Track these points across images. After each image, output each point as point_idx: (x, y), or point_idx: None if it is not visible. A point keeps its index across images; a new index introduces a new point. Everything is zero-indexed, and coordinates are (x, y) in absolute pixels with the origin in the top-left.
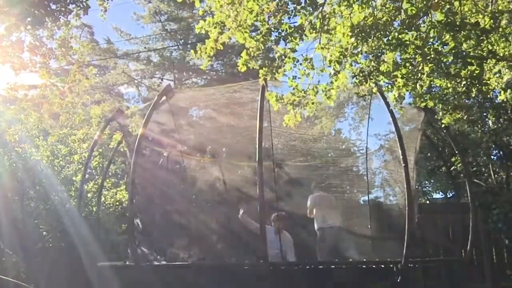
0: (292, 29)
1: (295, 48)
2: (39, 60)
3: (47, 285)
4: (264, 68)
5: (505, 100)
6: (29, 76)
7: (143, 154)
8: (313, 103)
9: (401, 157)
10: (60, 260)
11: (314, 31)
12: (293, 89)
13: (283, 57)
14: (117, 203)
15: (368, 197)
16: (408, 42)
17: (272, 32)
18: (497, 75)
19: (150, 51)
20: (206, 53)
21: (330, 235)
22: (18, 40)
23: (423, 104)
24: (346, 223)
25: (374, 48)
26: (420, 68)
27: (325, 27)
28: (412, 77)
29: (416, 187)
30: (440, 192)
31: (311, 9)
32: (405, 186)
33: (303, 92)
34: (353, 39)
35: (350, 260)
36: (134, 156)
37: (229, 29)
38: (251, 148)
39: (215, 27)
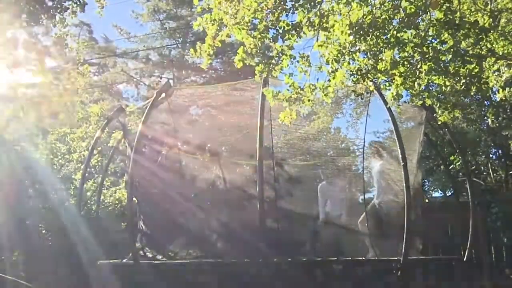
0: (290, 26)
1: (292, 45)
2: (34, 57)
3: (47, 284)
4: (260, 65)
5: (504, 98)
6: (28, 74)
7: (142, 152)
8: (309, 101)
9: (400, 155)
10: (60, 259)
11: (312, 29)
12: (290, 86)
13: (280, 54)
14: (117, 202)
15: (364, 196)
16: (406, 41)
17: (270, 29)
18: (496, 74)
19: (149, 49)
20: (205, 51)
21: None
22: (12, 37)
23: (420, 102)
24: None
25: (372, 46)
26: (418, 66)
27: (324, 25)
28: (411, 75)
29: (421, 184)
30: (439, 191)
31: (309, 7)
32: (404, 184)
33: (299, 89)
34: (351, 37)
35: (349, 258)
36: (133, 154)
37: (226, 26)
38: (251, 146)
39: (212, 24)
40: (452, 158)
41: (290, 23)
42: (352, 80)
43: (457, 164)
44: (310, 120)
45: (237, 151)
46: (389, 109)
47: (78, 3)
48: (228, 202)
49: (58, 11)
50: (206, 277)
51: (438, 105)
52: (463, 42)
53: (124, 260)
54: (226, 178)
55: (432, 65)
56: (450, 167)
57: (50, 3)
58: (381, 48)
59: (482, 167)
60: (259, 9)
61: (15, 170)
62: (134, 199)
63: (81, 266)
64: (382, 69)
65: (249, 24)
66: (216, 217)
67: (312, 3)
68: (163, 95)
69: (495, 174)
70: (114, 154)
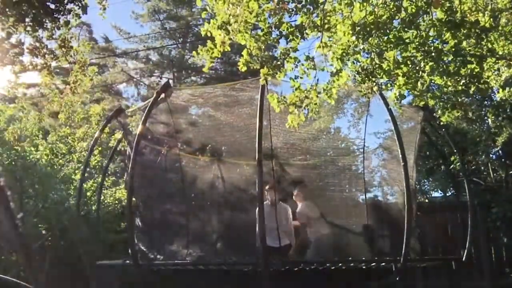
0: (293, 28)
1: (296, 47)
2: (40, 62)
3: (47, 284)
4: (265, 68)
5: (503, 98)
6: (29, 74)
7: (142, 153)
8: (315, 104)
9: (400, 155)
10: (60, 259)
11: (315, 29)
12: (295, 89)
13: (284, 56)
14: (117, 202)
15: (365, 196)
16: (408, 41)
17: (273, 32)
18: (496, 73)
19: (149, 49)
20: (210, 56)
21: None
22: (17, 41)
23: (423, 103)
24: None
25: (374, 46)
26: (422, 65)
27: (326, 26)
28: (413, 76)
29: (416, 186)
30: (439, 191)
31: (311, 8)
32: (404, 184)
33: (305, 92)
34: (354, 38)
35: (349, 259)
36: (133, 154)
37: (232, 30)
38: (250, 146)
39: (220, 29)
40: (452, 158)
41: (293, 25)
42: (357, 80)
43: (457, 164)
44: (310, 120)
45: (237, 151)
46: (389, 110)
47: (80, 5)
48: (227, 203)
49: (61, 14)
50: (206, 277)
51: (440, 106)
52: (464, 42)
53: (124, 261)
54: (225, 178)
55: (434, 65)
56: (450, 167)
57: (52, 6)
58: (384, 48)
59: (482, 167)
60: (261, 12)
61: (15, 170)
62: (133, 199)
63: (80, 266)
64: (385, 69)
65: (251, 26)
66: (216, 217)
67: (315, 4)
68: (162, 95)
69: (495, 174)
70: (114, 154)
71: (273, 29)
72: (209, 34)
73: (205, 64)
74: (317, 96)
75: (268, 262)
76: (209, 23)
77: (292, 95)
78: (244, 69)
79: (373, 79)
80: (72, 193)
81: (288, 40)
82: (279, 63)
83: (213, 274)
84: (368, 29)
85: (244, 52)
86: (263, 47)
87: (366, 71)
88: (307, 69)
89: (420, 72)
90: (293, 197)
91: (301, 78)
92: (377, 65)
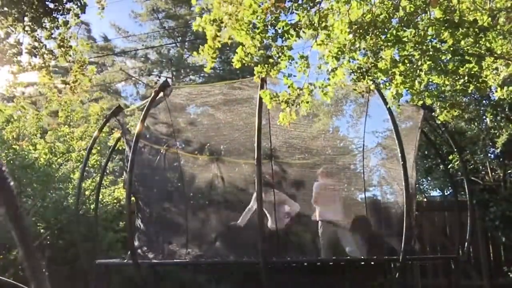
0: (289, 26)
1: (291, 45)
2: (39, 62)
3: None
4: (259, 66)
5: (502, 97)
6: (27, 73)
7: (141, 152)
8: (307, 102)
9: (400, 154)
10: (58, 258)
11: (312, 27)
12: (288, 87)
13: (279, 54)
14: (115, 201)
15: (365, 195)
16: (406, 40)
17: (269, 30)
18: (494, 72)
19: (148, 48)
20: (207, 53)
21: (327, 231)
22: (16, 41)
23: (421, 102)
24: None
25: (372, 45)
26: (419, 64)
27: (323, 24)
28: (411, 74)
29: (416, 185)
30: (438, 190)
31: (308, 7)
32: (403, 183)
33: (298, 90)
34: (351, 36)
35: (349, 258)
36: (131, 153)
37: (225, 26)
38: (249, 146)
39: (211, 24)
40: (450, 157)
41: (289, 23)
42: (352, 79)
43: (456, 163)
44: (309, 120)
45: (236, 150)
46: (388, 109)
47: (79, 4)
48: (227, 202)
49: (60, 13)
50: (205, 276)
51: (438, 105)
52: (462, 41)
53: (123, 260)
54: (224, 177)
55: (432, 64)
56: (449, 166)
57: (51, 6)
58: (381, 47)
59: (480, 166)
60: (259, 10)
61: (13, 169)
62: (132, 198)
63: (79, 266)
64: (382, 68)
65: (248, 24)
66: (215, 217)
67: (311, 3)
68: (161, 94)
69: (493, 173)
70: (112, 153)
71: (269, 27)
72: (201, 30)
73: (205, 63)
74: (309, 94)
75: (268, 262)
76: (201, 17)
77: (284, 93)
78: (238, 65)
79: (369, 77)
80: (70, 192)
81: (284, 38)
82: (272, 61)
83: (212, 273)
84: (365, 27)
85: (239, 49)
86: (259, 45)
87: (362, 70)
88: (302, 67)
89: (418, 71)
90: (318, 173)
91: (294, 76)
92: (372, 64)
